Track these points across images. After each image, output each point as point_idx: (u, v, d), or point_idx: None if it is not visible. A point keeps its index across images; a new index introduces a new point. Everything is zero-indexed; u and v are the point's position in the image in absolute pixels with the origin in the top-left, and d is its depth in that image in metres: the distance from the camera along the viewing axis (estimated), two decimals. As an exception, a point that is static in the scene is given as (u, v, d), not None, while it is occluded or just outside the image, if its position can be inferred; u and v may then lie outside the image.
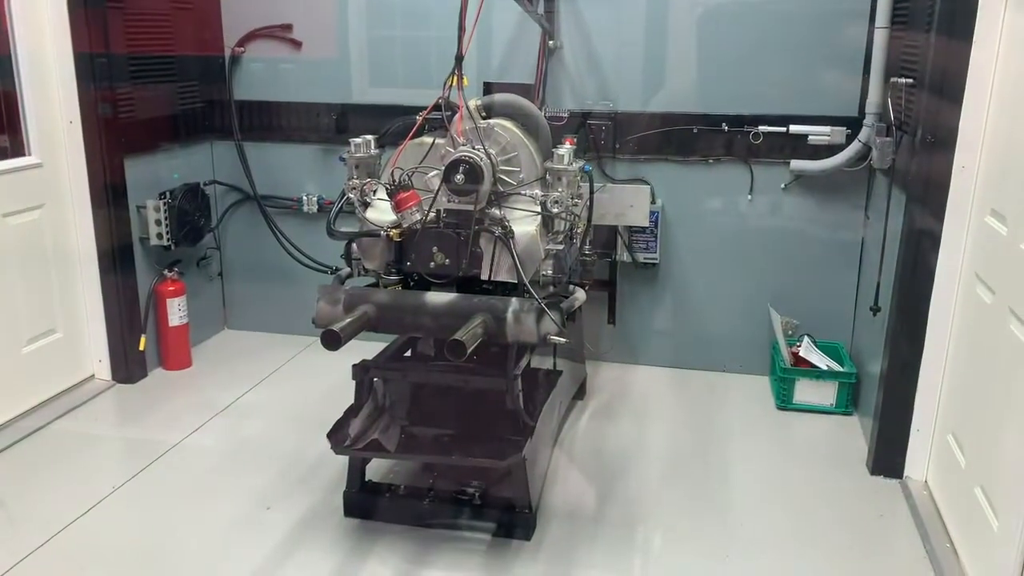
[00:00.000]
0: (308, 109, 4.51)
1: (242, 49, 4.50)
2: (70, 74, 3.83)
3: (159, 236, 4.16)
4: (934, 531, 3.00)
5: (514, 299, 2.74)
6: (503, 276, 2.87)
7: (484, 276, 2.88)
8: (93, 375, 4.20)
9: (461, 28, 2.87)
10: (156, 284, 4.27)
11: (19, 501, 3.20)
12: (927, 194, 3.09)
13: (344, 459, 3.09)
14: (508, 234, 2.82)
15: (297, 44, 4.45)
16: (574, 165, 2.96)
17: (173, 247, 4.23)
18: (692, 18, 4.04)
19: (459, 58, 2.89)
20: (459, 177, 2.78)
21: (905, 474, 3.34)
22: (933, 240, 3.09)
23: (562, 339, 2.74)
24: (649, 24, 4.07)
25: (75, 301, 4.07)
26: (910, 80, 3.28)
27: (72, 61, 3.82)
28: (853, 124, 3.88)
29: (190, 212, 4.34)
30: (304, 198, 4.58)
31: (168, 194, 4.22)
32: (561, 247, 2.94)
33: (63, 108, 3.87)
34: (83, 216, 3.99)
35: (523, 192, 2.96)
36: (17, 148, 3.77)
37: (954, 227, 3.04)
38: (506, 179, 2.97)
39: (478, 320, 2.66)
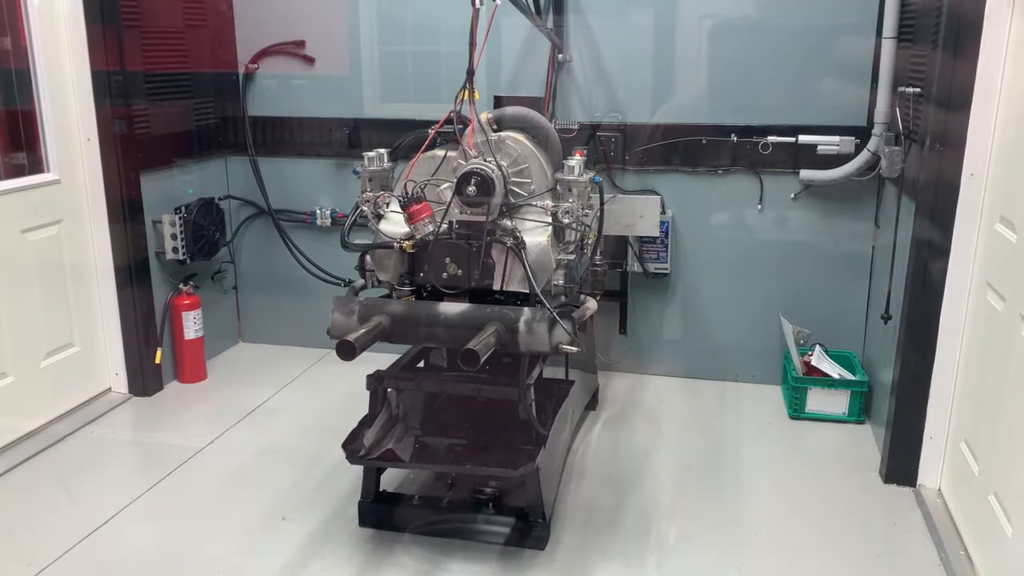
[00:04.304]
0: (321, 124, 4.57)
1: (256, 66, 4.56)
2: (88, 92, 3.89)
3: (175, 250, 4.21)
4: (948, 538, 3.00)
5: (526, 309, 2.77)
6: (515, 286, 2.90)
7: (496, 286, 2.90)
8: (110, 388, 4.25)
9: (472, 42, 2.91)
10: (172, 298, 4.32)
11: (38, 513, 3.24)
12: (936, 202, 3.10)
13: (358, 469, 3.12)
14: (520, 245, 2.85)
15: (310, 60, 4.51)
16: (584, 176, 2.99)
17: (188, 261, 4.29)
18: (700, 30, 4.07)
19: (470, 72, 2.93)
20: (471, 189, 2.81)
21: (918, 482, 3.34)
22: (943, 248, 3.10)
23: (574, 348, 2.77)
24: (658, 36, 4.10)
25: (92, 315, 4.12)
26: (918, 89, 3.29)
27: (89, 79, 3.88)
28: (862, 134, 3.90)
29: (205, 226, 4.39)
30: (317, 212, 4.63)
31: (183, 209, 4.28)
32: (572, 257, 2.97)
33: (81, 125, 3.93)
34: (100, 231, 4.05)
35: (534, 203, 2.99)
36: (36, 165, 3.83)
37: (964, 235, 3.05)
38: (517, 190, 3.00)
39: (491, 330, 2.69)
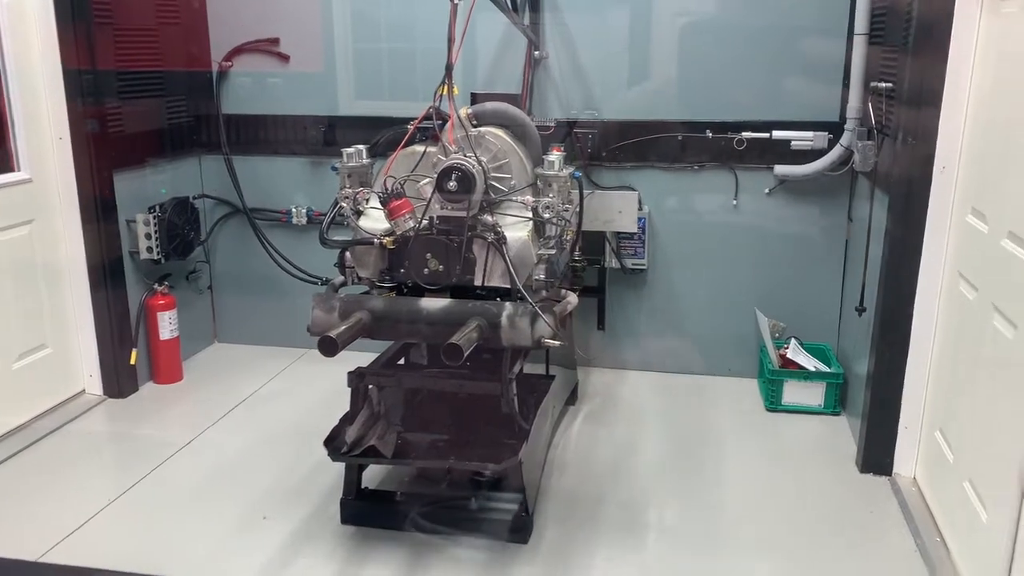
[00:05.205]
0: (296, 122, 4.54)
1: (230, 63, 4.53)
2: (59, 90, 3.84)
3: (149, 250, 4.17)
4: (924, 526, 3.04)
5: (508, 303, 2.78)
6: (496, 281, 2.91)
7: (478, 282, 2.91)
8: (84, 390, 4.19)
9: (451, 38, 2.92)
10: (146, 298, 4.28)
11: (13, 516, 3.19)
12: (909, 195, 3.15)
13: (339, 467, 3.11)
14: (501, 240, 2.86)
15: (284, 58, 4.49)
16: (564, 171, 3.01)
17: (163, 261, 4.24)
18: (675, 28, 4.11)
19: (449, 67, 2.93)
20: (451, 184, 2.82)
21: (894, 471, 3.39)
22: (916, 240, 3.15)
23: (556, 342, 2.78)
24: (633, 34, 4.14)
25: (65, 316, 4.06)
26: (890, 84, 3.35)
27: (61, 77, 3.83)
28: (835, 129, 3.95)
29: (180, 226, 4.35)
30: (293, 210, 4.60)
31: (158, 208, 4.23)
32: (553, 252, 2.98)
33: (52, 124, 3.88)
34: (73, 231, 3.99)
35: (514, 198, 3.00)
36: (6, 164, 3.77)
37: (936, 227, 3.11)
38: (497, 186, 3.01)
39: (473, 324, 2.69)
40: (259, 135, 4.61)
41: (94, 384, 4.19)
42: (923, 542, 2.96)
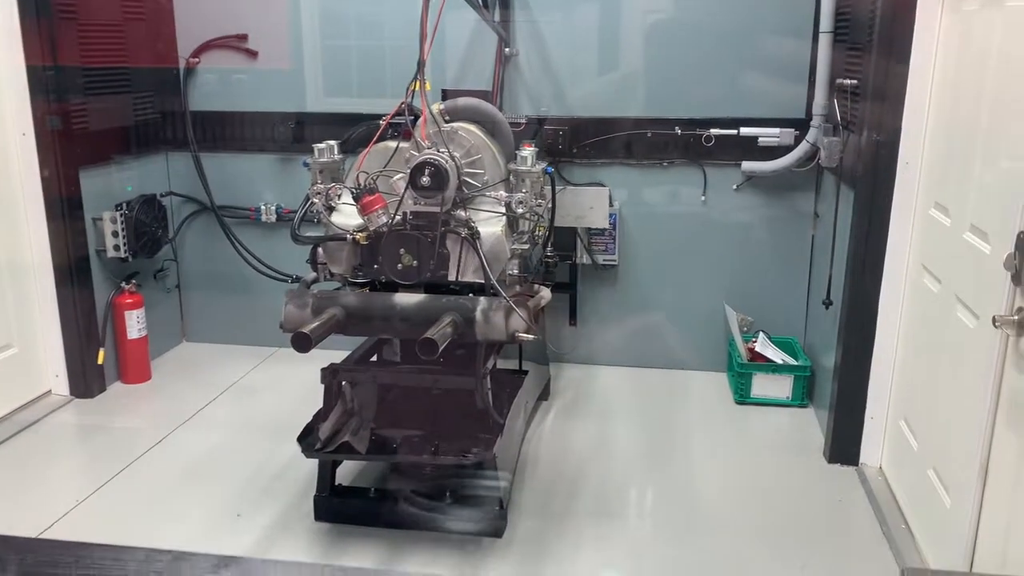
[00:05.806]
0: (264, 119, 4.51)
1: (197, 60, 4.48)
2: (23, 86, 3.77)
3: (116, 248, 4.11)
4: (890, 513, 3.11)
5: (483, 298, 2.79)
6: (470, 276, 2.91)
7: (451, 277, 2.92)
8: (50, 390, 4.13)
9: (423, 33, 2.92)
10: (114, 297, 4.22)
11: (-20, 518, 3.15)
12: (874, 190, 3.21)
13: (312, 465, 3.10)
14: (474, 235, 2.87)
15: (253, 54, 4.45)
16: (537, 167, 3.02)
17: (130, 259, 4.19)
18: (645, 26, 4.14)
19: (421, 62, 2.94)
20: (425, 179, 2.82)
21: (861, 461, 3.46)
22: (881, 234, 3.22)
23: (531, 336, 2.79)
24: (603, 31, 4.16)
25: (31, 315, 4.00)
26: (854, 81, 3.41)
27: (24, 73, 3.76)
28: (801, 126, 4.01)
29: (147, 223, 4.30)
30: (262, 207, 4.57)
31: (125, 206, 4.18)
32: (526, 247, 3.00)
33: (15, 120, 3.81)
34: (38, 229, 3.92)
35: (488, 194, 3.01)
36: (-32, 161, 3.71)
37: (900, 220, 3.17)
38: (471, 181, 3.02)
39: (448, 320, 2.70)
40: (227, 132, 4.57)
41: (60, 384, 4.13)
42: (889, 529, 3.02)
